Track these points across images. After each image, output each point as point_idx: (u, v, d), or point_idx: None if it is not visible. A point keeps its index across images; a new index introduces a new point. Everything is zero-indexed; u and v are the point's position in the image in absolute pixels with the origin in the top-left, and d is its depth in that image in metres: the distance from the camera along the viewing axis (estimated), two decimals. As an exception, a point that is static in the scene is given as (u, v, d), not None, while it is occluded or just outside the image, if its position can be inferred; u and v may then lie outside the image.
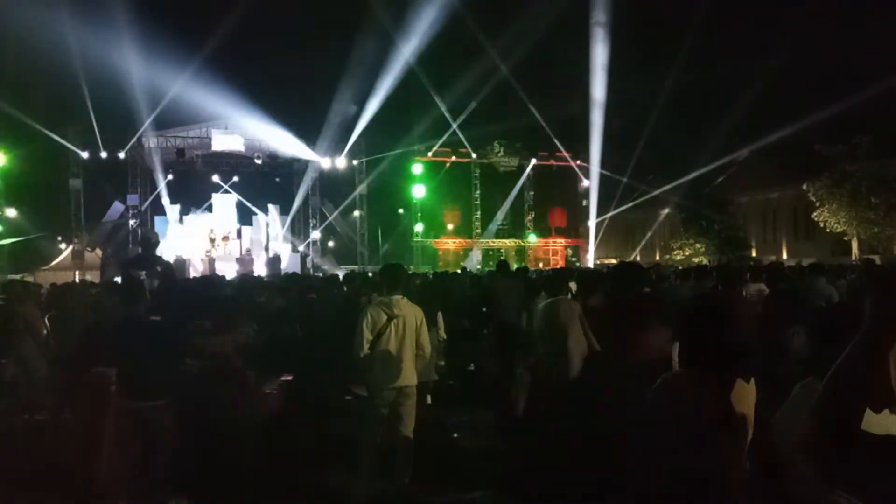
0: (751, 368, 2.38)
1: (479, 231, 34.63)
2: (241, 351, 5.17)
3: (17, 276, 19.48)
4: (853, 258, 26.10)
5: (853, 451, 1.42)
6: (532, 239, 35.34)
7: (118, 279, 11.06)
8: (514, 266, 14.63)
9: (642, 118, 34.09)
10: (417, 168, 32.16)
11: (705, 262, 29.59)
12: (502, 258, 28.73)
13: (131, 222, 28.37)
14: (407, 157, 32.04)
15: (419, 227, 33.19)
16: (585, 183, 33.79)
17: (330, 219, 31.79)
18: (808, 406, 2.15)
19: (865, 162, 28.61)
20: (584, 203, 34.19)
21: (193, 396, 4.61)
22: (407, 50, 27.22)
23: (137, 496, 4.71)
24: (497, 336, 8.07)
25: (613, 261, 35.06)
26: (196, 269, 23.97)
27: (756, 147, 34.57)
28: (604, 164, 31.66)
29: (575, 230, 36.46)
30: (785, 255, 37.82)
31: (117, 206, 29.39)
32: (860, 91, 25.70)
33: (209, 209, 28.22)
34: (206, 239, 26.38)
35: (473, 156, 32.79)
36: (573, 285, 7.42)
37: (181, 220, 27.47)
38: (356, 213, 31.83)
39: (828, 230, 31.09)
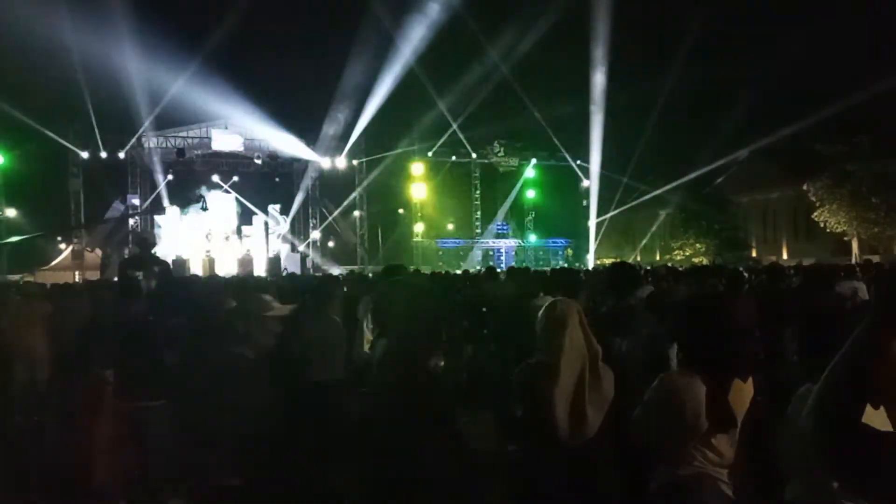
0: (747, 369, 2.38)
1: (479, 231, 34.62)
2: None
3: (17, 277, 19.49)
4: (853, 258, 26.07)
5: (855, 447, 1.41)
6: (532, 239, 35.33)
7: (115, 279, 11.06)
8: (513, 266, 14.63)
9: (642, 118, 34.13)
10: (417, 168, 32.15)
11: (705, 262, 29.58)
12: (490, 265, 28.74)
13: (131, 222, 28.36)
14: (407, 157, 32.02)
15: (419, 227, 33.18)
16: (585, 183, 33.77)
17: (330, 219, 31.79)
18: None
19: (865, 162, 28.57)
20: (584, 203, 34.16)
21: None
22: (407, 50, 27.22)
23: (136, 497, 4.70)
24: (495, 337, 8.07)
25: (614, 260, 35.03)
26: (196, 270, 23.96)
27: (756, 147, 34.56)
28: (604, 164, 31.67)
29: (575, 230, 36.45)
30: (785, 256, 37.81)
31: (117, 206, 29.39)
32: (860, 91, 25.69)
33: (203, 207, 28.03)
34: (206, 239, 26.38)
35: (473, 156, 32.77)
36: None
37: (181, 221, 27.47)
38: (356, 213, 31.84)
39: (828, 230, 31.06)
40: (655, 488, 2.41)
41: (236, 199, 28.61)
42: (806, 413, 1.50)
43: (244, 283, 10.60)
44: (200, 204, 25.35)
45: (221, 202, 28.08)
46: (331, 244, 36.24)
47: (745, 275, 9.11)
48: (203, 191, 26.91)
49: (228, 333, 4.92)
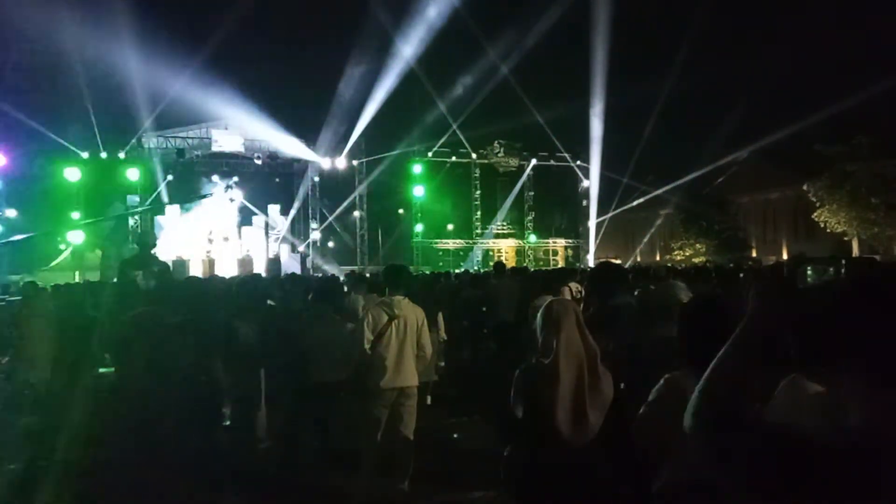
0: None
1: (479, 231, 34.61)
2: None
3: (18, 277, 19.47)
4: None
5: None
6: (532, 239, 35.33)
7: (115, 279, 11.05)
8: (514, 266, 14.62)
9: (642, 118, 34.15)
10: (417, 168, 32.14)
11: (706, 262, 29.59)
12: (499, 259, 28.72)
13: (131, 222, 28.35)
14: (407, 157, 32.02)
15: (419, 228, 33.17)
16: (585, 183, 33.77)
17: (330, 219, 31.77)
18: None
19: (865, 162, 28.57)
20: (584, 203, 34.17)
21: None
22: (407, 50, 27.24)
23: (141, 496, 4.70)
24: (496, 337, 8.07)
25: (615, 261, 35.01)
26: (196, 270, 23.95)
27: (756, 147, 34.58)
28: (604, 164, 31.69)
29: (575, 230, 36.44)
30: (785, 256, 37.83)
31: (118, 207, 29.36)
32: (860, 91, 25.72)
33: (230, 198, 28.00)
34: (206, 239, 26.37)
35: (473, 156, 32.76)
36: (574, 286, 7.41)
37: (181, 221, 27.45)
38: (356, 213, 31.83)
39: (828, 230, 31.07)
40: (659, 489, 2.41)
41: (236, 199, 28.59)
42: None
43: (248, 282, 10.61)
44: (228, 195, 25.69)
45: (222, 203, 28.08)
46: (331, 244, 36.24)
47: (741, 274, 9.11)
48: (230, 181, 27.06)
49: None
